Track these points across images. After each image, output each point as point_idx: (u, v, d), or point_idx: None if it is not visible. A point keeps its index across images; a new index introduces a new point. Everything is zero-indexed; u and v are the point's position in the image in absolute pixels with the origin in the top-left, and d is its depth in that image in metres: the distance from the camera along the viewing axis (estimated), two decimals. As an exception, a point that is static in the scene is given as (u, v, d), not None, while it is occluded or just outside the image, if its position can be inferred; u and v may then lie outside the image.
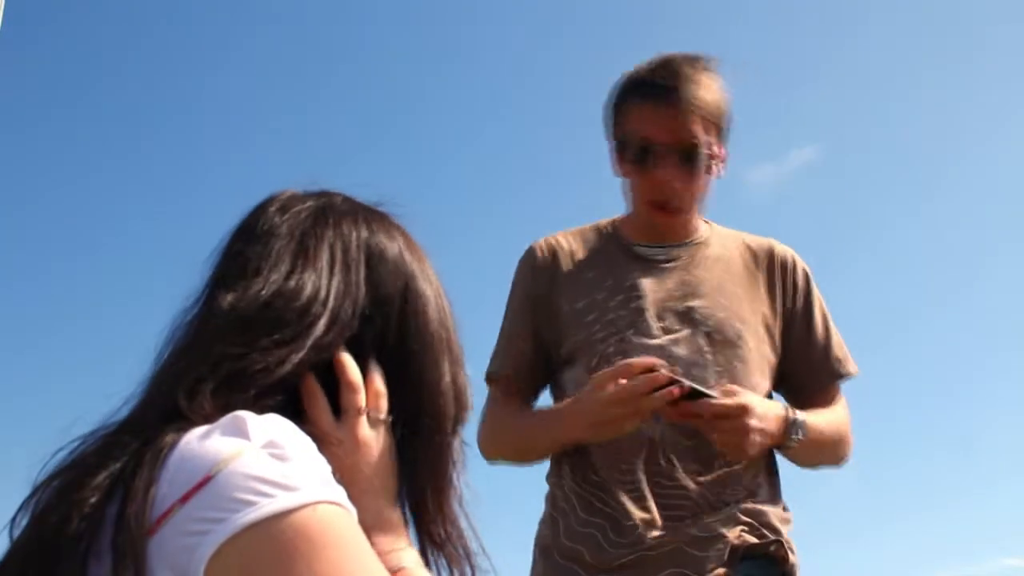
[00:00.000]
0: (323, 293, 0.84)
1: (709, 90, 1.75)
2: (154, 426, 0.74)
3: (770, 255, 1.87)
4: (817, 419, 1.74)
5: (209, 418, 0.74)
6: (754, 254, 1.87)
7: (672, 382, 1.54)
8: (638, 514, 1.66)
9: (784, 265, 1.86)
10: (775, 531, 1.71)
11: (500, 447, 1.84)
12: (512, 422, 1.84)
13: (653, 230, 1.85)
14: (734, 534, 1.66)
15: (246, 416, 0.72)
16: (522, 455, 1.85)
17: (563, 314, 1.81)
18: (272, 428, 0.72)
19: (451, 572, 0.86)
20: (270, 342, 0.80)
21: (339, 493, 0.71)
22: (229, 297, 0.83)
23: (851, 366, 1.86)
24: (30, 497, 0.76)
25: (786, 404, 1.75)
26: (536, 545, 1.81)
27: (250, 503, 0.66)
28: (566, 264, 1.87)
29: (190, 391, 0.77)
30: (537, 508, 1.86)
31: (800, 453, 1.74)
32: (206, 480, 0.67)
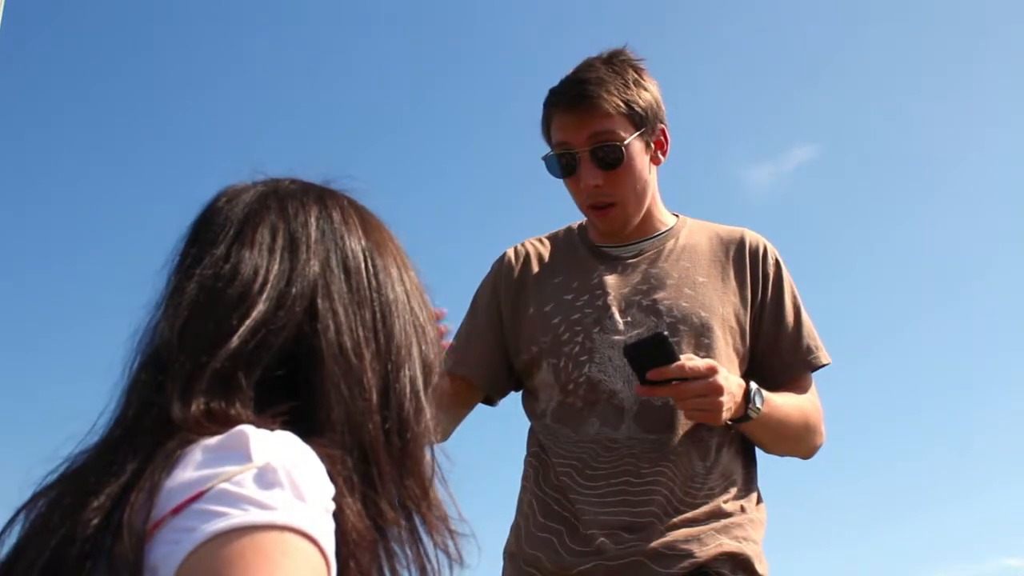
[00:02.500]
0: (262, 275, 0.81)
1: (616, 83, 1.74)
2: (150, 439, 0.74)
3: (740, 244, 1.85)
4: (778, 396, 1.72)
5: (203, 426, 0.74)
6: (724, 244, 1.86)
7: (650, 338, 1.56)
8: (601, 519, 1.64)
9: (755, 254, 1.84)
10: (742, 542, 1.68)
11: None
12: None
13: (611, 234, 1.85)
14: (699, 550, 1.63)
15: (250, 434, 0.71)
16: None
17: (530, 317, 1.82)
18: (276, 450, 0.70)
19: (432, 539, 0.84)
20: (217, 331, 0.78)
21: (321, 528, 0.68)
22: (188, 289, 0.81)
23: (823, 356, 1.84)
24: (25, 507, 0.75)
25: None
26: (504, 551, 1.80)
27: (223, 515, 0.66)
28: (536, 269, 1.88)
29: (183, 399, 0.76)
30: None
31: (762, 428, 1.71)
32: (198, 495, 0.67)
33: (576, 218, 1.92)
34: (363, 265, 0.86)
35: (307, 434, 0.76)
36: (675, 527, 1.64)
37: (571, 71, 1.80)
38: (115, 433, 0.78)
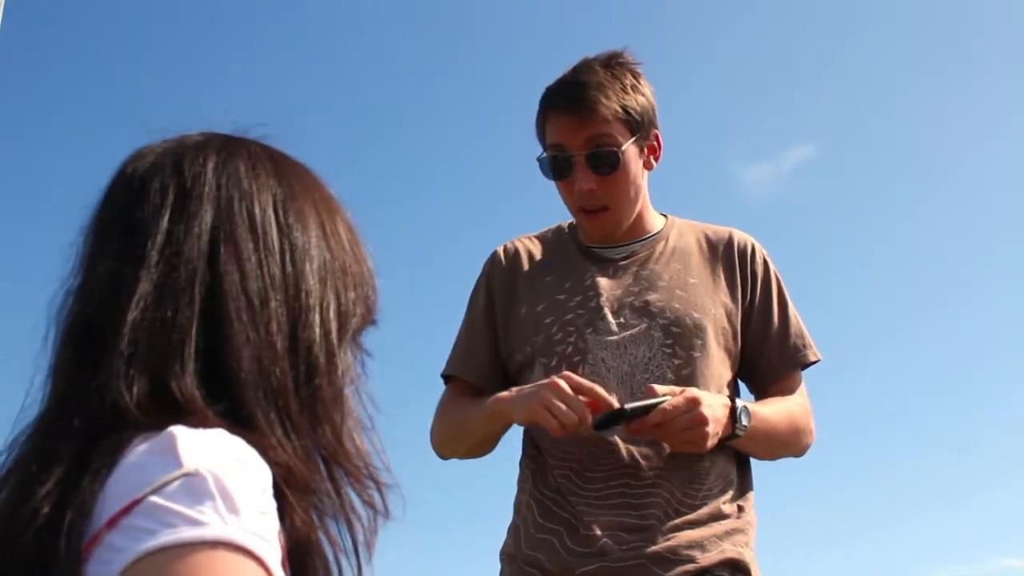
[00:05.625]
0: (153, 238, 0.79)
1: (615, 88, 1.73)
2: (88, 427, 0.72)
3: (729, 244, 1.85)
4: (764, 407, 1.73)
5: (146, 409, 0.72)
6: (713, 244, 1.86)
7: (614, 413, 1.55)
8: (602, 520, 1.64)
9: (743, 253, 1.84)
10: (743, 548, 1.69)
11: (440, 434, 1.86)
12: (453, 408, 1.85)
13: (601, 237, 1.84)
14: (701, 556, 1.64)
15: (180, 436, 0.69)
16: (459, 438, 1.84)
17: (522, 317, 1.81)
18: (205, 454, 0.68)
19: (355, 491, 0.81)
20: (126, 304, 0.76)
21: (257, 537, 0.66)
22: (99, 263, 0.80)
23: (811, 353, 1.84)
24: None
25: (727, 395, 1.74)
26: (501, 554, 1.80)
27: (152, 532, 0.64)
28: (526, 268, 1.88)
29: (124, 379, 0.74)
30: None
31: (751, 442, 1.72)
32: (132, 505, 0.65)
33: (566, 217, 1.92)
34: (270, 210, 0.83)
35: (225, 389, 0.75)
36: (677, 529, 1.65)
37: (568, 71, 1.79)
38: (47, 421, 0.77)
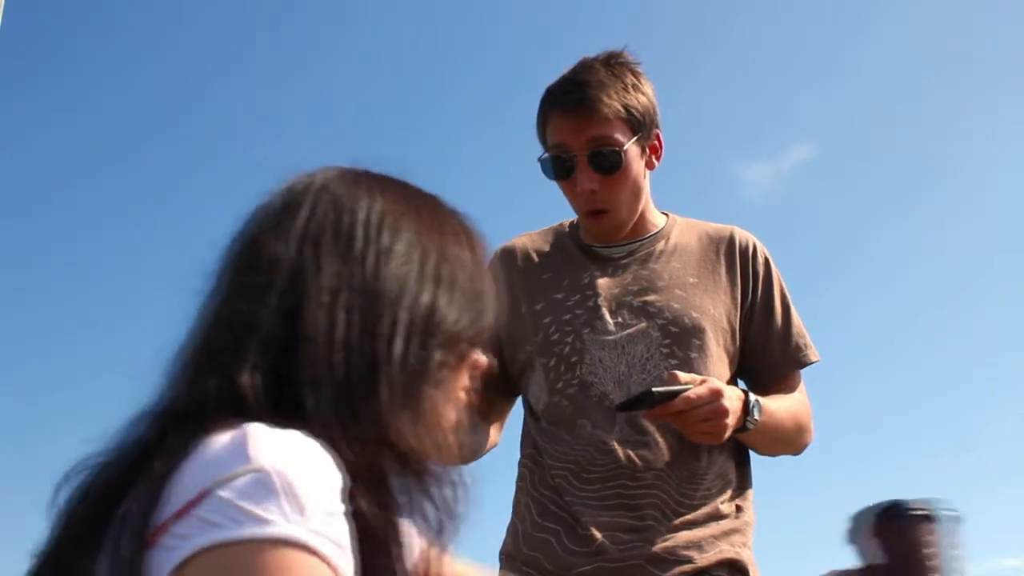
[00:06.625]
0: (253, 244, 0.86)
1: (616, 87, 1.73)
2: (174, 418, 0.76)
3: (730, 243, 1.85)
4: (772, 402, 1.73)
5: (218, 410, 0.74)
6: (714, 243, 1.85)
7: (641, 395, 1.53)
8: (599, 520, 1.64)
9: (744, 253, 1.84)
10: (740, 548, 1.70)
11: None
12: None
13: (603, 237, 1.84)
14: (699, 556, 1.64)
15: (252, 432, 0.71)
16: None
17: (522, 317, 1.81)
18: (278, 451, 0.70)
19: (430, 493, 0.82)
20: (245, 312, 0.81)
21: (318, 537, 0.67)
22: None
23: (811, 354, 1.84)
24: (77, 474, 0.78)
25: (743, 387, 1.74)
26: (501, 553, 1.79)
27: (216, 525, 0.65)
28: (526, 267, 1.87)
29: (203, 378, 0.78)
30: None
31: (758, 436, 1.72)
32: (199, 498, 0.67)
33: (567, 216, 1.92)
34: (362, 220, 0.86)
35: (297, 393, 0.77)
36: (676, 529, 1.65)
37: (568, 71, 1.78)
38: (151, 413, 0.80)
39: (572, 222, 1.93)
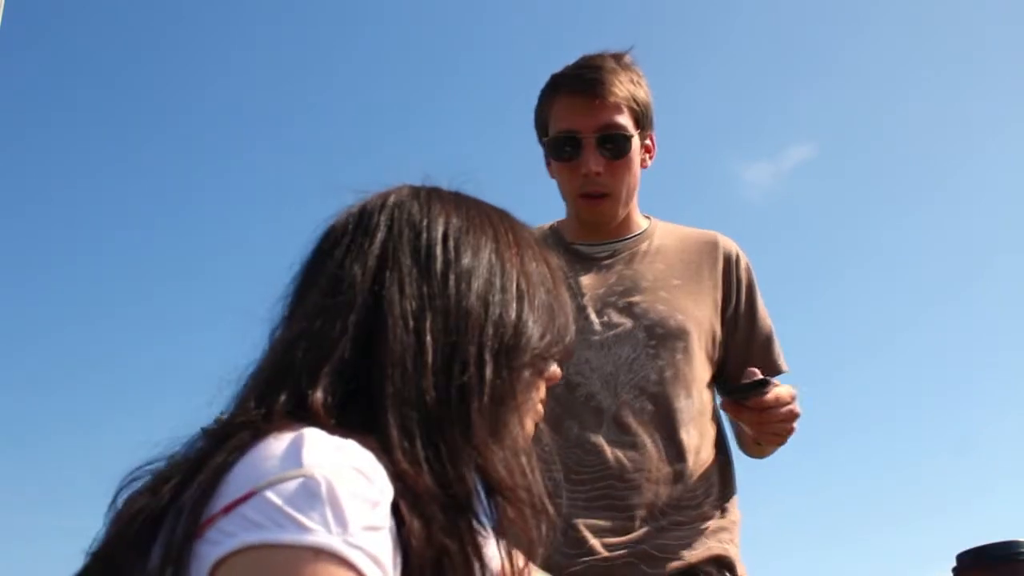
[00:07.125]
0: (334, 265, 0.87)
1: (630, 81, 1.77)
2: (241, 426, 0.77)
3: (714, 248, 1.86)
4: None
5: (282, 420, 0.76)
6: (697, 247, 1.86)
7: (757, 382, 1.55)
8: (588, 521, 1.65)
9: (728, 259, 1.85)
10: (728, 544, 1.71)
11: None
12: None
13: (592, 228, 1.85)
14: (688, 553, 1.66)
15: (307, 437, 0.71)
16: None
17: None
18: (330, 459, 0.70)
19: (508, 517, 0.81)
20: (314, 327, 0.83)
21: (356, 551, 0.67)
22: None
23: (784, 363, 1.88)
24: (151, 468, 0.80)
25: (708, 398, 1.76)
26: None
27: (259, 526, 0.66)
28: None
29: (273, 390, 0.79)
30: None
31: (777, 438, 1.72)
32: (248, 496, 0.68)
33: (556, 217, 1.93)
34: (439, 239, 0.87)
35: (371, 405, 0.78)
36: (664, 529, 1.66)
37: (577, 60, 1.81)
38: (227, 416, 0.82)
39: (554, 224, 1.94)
